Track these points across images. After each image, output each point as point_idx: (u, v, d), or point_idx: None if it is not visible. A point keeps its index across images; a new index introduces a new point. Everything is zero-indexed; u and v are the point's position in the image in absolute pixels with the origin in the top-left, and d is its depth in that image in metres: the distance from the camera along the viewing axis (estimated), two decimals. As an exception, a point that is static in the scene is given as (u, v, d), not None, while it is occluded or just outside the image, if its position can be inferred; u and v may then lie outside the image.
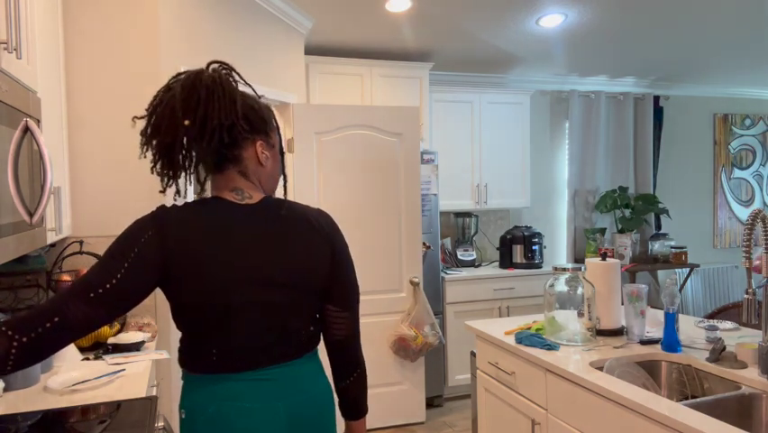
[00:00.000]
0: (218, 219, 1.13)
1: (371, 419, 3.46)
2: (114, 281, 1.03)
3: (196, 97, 1.11)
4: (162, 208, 1.12)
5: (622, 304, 2.12)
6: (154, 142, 1.13)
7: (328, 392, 1.25)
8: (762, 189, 5.76)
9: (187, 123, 1.10)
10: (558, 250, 5.02)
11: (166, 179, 1.16)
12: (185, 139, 1.12)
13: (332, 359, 1.30)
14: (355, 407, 1.31)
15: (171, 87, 1.14)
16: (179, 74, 1.17)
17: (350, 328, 1.28)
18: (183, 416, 1.15)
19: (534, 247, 4.20)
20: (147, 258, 1.06)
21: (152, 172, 1.16)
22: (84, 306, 1.01)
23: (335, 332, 1.27)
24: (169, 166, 1.15)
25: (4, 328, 0.95)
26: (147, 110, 1.15)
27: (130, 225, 1.12)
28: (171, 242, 1.08)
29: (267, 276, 1.14)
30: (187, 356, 1.15)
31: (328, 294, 1.25)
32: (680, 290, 4.83)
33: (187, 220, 1.11)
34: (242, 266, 1.11)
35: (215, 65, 1.18)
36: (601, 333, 2.11)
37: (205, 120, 1.11)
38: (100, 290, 1.02)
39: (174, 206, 1.13)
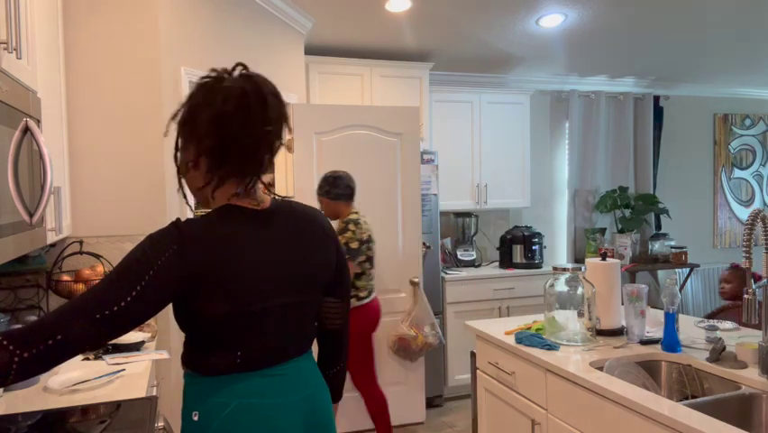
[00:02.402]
0: (243, 228, 1.11)
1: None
2: (122, 304, 0.99)
3: (267, 103, 1.11)
4: (182, 223, 1.07)
5: (622, 304, 2.13)
6: (232, 149, 1.10)
7: (326, 389, 1.29)
8: (762, 189, 5.76)
9: (269, 128, 1.11)
10: (558, 250, 5.02)
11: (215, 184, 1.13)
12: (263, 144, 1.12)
13: (323, 348, 1.41)
14: (336, 392, 1.45)
15: (227, 88, 1.10)
16: (209, 77, 1.14)
17: (344, 317, 1.39)
18: (196, 418, 1.12)
19: (534, 247, 4.20)
20: (166, 278, 1.02)
21: (211, 180, 1.12)
22: (88, 325, 0.97)
23: (332, 321, 1.37)
24: (254, 170, 1.13)
25: (5, 342, 0.93)
26: (191, 115, 1.11)
27: (144, 241, 1.05)
28: (200, 256, 1.04)
29: (293, 280, 1.16)
30: (204, 361, 1.12)
31: (330, 288, 1.33)
32: (680, 290, 4.83)
33: (214, 233, 1.08)
34: (271, 273, 1.12)
35: (241, 68, 1.16)
36: (601, 333, 2.11)
37: (280, 124, 1.13)
38: (107, 312, 0.98)
39: (192, 219, 1.09)
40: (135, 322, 1.02)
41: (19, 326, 1.88)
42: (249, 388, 1.12)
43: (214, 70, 1.15)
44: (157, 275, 1.01)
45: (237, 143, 1.10)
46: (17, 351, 0.93)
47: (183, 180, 1.18)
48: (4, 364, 0.92)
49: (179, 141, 1.16)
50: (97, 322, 0.97)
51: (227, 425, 1.10)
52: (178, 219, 1.09)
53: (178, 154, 1.17)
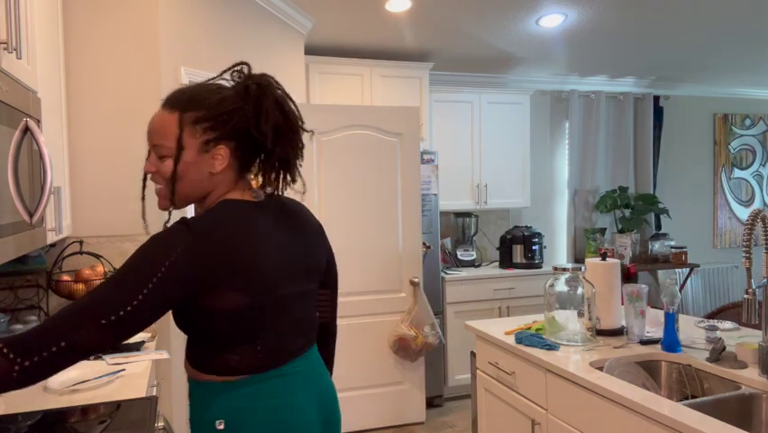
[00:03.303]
0: (251, 219, 1.10)
1: (371, 419, 3.45)
2: (129, 308, 0.94)
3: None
4: (190, 219, 1.04)
5: (622, 304, 2.13)
6: (277, 150, 1.13)
7: (332, 383, 1.29)
8: (762, 189, 5.76)
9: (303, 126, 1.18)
10: (558, 250, 5.02)
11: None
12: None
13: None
14: None
15: (264, 90, 1.11)
16: (243, 74, 1.14)
17: (334, 310, 1.41)
18: (222, 427, 1.07)
19: (534, 247, 4.20)
20: (176, 277, 0.97)
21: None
22: (94, 332, 0.92)
23: (321, 314, 1.39)
24: (288, 173, 1.17)
25: (5, 350, 0.88)
26: (236, 108, 1.10)
27: (150, 240, 1.01)
28: (212, 250, 1.01)
29: (298, 269, 1.16)
30: (222, 362, 1.08)
31: (322, 279, 1.35)
32: (680, 290, 4.83)
33: (225, 225, 1.05)
34: (281, 262, 1.12)
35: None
36: (601, 333, 2.11)
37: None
38: (113, 317, 0.93)
39: (199, 216, 1.06)
40: (143, 326, 0.98)
41: (20, 326, 1.88)
42: (271, 388, 1.10)
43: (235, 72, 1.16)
44: (166, 275, 0.97)
45: (265, 137, 1.12)
46: (17, 359, 0.89)
47: (181, 175, 1.09)
48: (4, 373, 0.88)
49: (191, 128, 1.08)
50: (103, 327, 0.93)
51: (257, 429, 1.07)
52: (184, 217, 1.06)
53: (184, 142, 1.08)
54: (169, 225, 1.09)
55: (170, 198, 1.10)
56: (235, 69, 1.15)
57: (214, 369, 1.09)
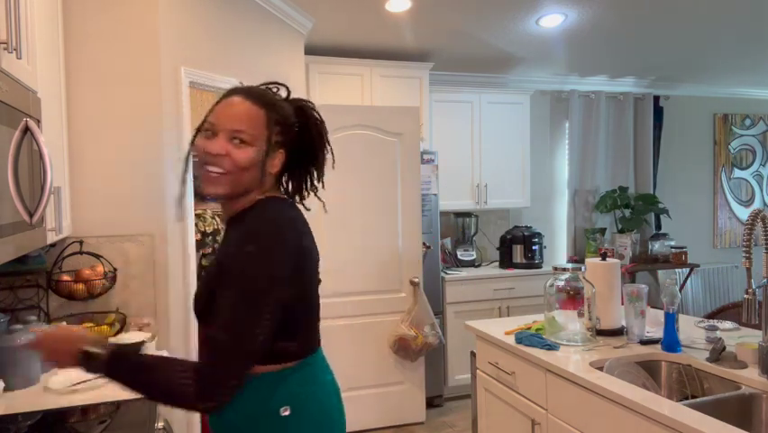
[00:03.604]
0: (297, 215, 1.21)
1: (371, 419, 3.45)
2: (264, 325, 1.05)
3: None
4: (254, 224, 1.12)
5: (622, 304, 2.13)
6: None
7: None
8: (762, 189, 5.76)
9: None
10: (558, 250, 5.02)
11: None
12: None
13: None
14: None
15: (320, 118, 1.31)
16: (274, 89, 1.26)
17: None
18: (288, 412, 1.12)
19: (534, 247, 4.20)
20: (284, 279, 1.08)
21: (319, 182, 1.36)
22: (245, 363, 1.04)
23: None
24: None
25: (192, 389, 0.99)
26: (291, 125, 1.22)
27: (242, 258, 1.07)
28: (298, 246, 1.13)
29: (318, 260, 1.25)
30: (280, 350, 1.13)
31: None
32: (680, 290, 4.82)
33: (284, 223, 1.14)
34: (316, 253, 1.22)
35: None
36: (601, 333, 2.11)
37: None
38: (256, 343, 1.04)
39: (258, 217, 1.14)
40: (271, 335, 1.07)
41: (20, 326, 1.87)
42: (317, 369, 1.19)
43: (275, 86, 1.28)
44: (280, 282, 1.07)
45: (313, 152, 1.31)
46: (204, 399, 1.01)
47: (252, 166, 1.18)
48: (190, 406, 1.02)
49: (272, 128, 1.18)
50: (252, 354, 1.04)
51: (315, 410, 1.15)
52: (250, 222, 1.12)
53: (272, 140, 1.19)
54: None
55: (236, 184, 1.15)
56: (270, 86, 1.25)
57: (272, 359, 1.14)
